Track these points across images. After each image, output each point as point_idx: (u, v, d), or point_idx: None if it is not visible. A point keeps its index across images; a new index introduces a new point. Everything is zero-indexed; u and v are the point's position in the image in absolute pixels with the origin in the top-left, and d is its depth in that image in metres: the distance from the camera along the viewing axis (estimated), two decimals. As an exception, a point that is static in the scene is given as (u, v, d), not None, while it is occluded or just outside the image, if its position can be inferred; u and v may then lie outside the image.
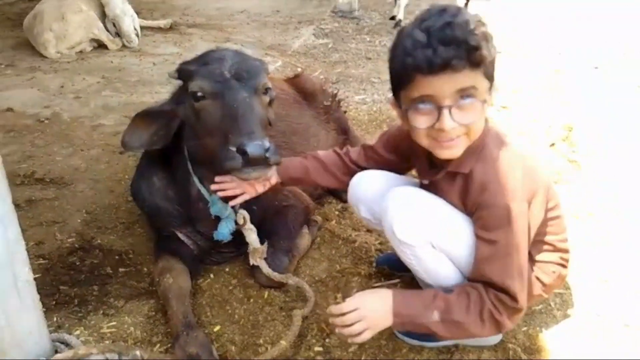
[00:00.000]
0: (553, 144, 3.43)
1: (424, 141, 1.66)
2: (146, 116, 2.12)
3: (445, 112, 1.54)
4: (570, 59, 5.39)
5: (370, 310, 1.71)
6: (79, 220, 2.79)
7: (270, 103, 2.07)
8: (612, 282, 2.30)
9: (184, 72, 1.98)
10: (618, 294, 2.23)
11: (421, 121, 1.60)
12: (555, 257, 1.90)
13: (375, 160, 2.13)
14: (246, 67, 1.94)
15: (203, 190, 2.12)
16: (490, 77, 1.58)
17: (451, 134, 1.58)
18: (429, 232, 1.74)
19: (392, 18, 6.64)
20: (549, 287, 1.91)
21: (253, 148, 1.69)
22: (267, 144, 1.72)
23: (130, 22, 5.75)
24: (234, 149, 1.71)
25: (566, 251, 1.93)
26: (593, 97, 4.37)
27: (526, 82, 4.75)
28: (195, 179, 2.12)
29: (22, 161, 3.38)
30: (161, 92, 4.56)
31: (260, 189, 2.11)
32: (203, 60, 1.97)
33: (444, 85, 1.52)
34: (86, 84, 4.73)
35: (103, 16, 5.76)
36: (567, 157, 3.30)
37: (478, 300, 1.64)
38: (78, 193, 3.07)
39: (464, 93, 1.54)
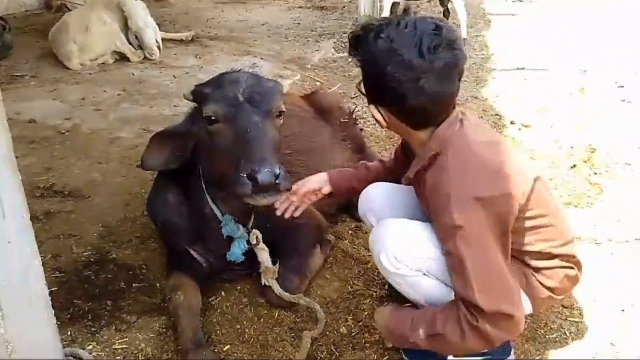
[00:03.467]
0: (574, 166, 3.36)
1: None
2: (163, 137, 2.16)
3: None
4: (595, 77, 5.29)
5: (378, 326, 1.97)
6: (95, 234, 2.83)
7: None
8: (629, 311, 2.23)
9: (198, 95, 2.00)
10: (634, 324, 2.16)
11: None
12: (554, 262, 1.87)
13: (397, 161, 2.18)
14: (260, 90, 1.95)
15: (216, 210, 2.13)
16: None
17: None
18: (418, 262, 1.78)
19: None
20: (559, 290, 1.89)
21: (263, 175, 1.70)
22: (277, 170, 1.73)
23: (152, 34, 5.84)
24: (244, 175, 1.72)
25: (568, 256, 1.88)
26: (618, 117, 4.28)
27: (550, 100, 4.67)
28: (209, 199, 2.14)
29: (42, 173, 3.44)
30: (180, 105, 4.60)
31: (313, 198, 2.20)
32: (217, 83, 1.99)
33: None
34: (106, 95, 4.81)
35: (126, 28, 5.86)
36: (589, 179, 3.24)
37: (454, 310, 1.66)
38: (95, 206, 3.11)
39: None
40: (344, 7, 8.71)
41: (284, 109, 2.03)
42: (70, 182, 3.33)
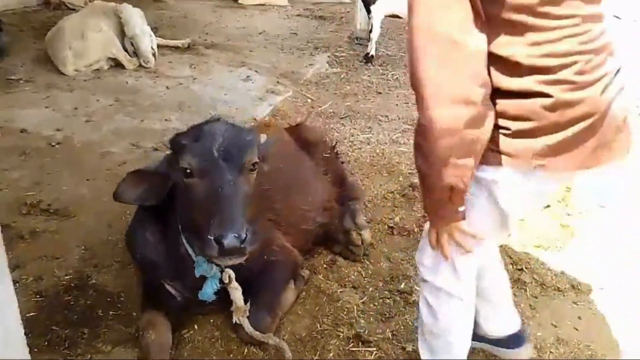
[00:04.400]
0: (548, 206, 3.46)
1: None
2: (140, 174, 2.22)
3: None
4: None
5: None
6: (77, 256, 2.91)
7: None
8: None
9: (176, 145, 2.08)
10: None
11: None
12: (528, 81, 1.46)
13: None
14: (236, 143, 2.02)
15: (190, 251, 2.22)
16: None
17: None
18: None
19: (366, 56, 6.67)
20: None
21: (229, 240, 1.79)
22: (243, 234, 1.81)
23: (148, 42, 5.89)
24: (212, 238, 1.80)
25: (548, 70, 1.45)
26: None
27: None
28: (184, 239, 2.22)
29: (31, 188, 3.51)
30: (171, 120, 4.69)
31: None
32: (195, 134, 2.06)
33: None
34: (99, 105, 4.87)
35: (122, 34, 5.90)
36: (561, 221, 3.33)
37: None
38: (79, 225, 3.19)
39: None
40: (341, 17, 8.78)
41: (258, 161, 2.10)
42: (57, 199, 3.40)
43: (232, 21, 8.32)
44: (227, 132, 2.06)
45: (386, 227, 3.32)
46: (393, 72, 6.34)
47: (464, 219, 1.60)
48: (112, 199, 3.42)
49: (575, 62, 1.46)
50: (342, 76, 6.20)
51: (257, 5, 9.41)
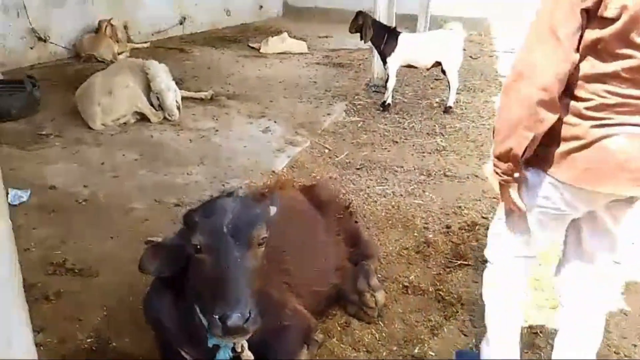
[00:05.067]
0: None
1: None
2: (158, 248, 2.34)
3: None
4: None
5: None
6: (99, 318, 3.01)
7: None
8: None
9: (189, 221, 2.17)
10: None
11: None
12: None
13: None
14: (245, 219, 2.10)
15: (203, 320, 2.29)
16: None
17: None
18: None
19: (383, 104, 6.82)
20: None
21: (233, 321, 1.85)
22: (247, 313, 1.88)
23: (173, 96, 6.14)
24: (217, 317, 1.88)
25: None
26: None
27: None
28: (197, 309, 2.30)
29: (57, 247, 3.66)
30: (192, 174, 4.86)
31: None
32: (207, 210, 2.15)
33: None
34: (125, 160, 5.08)
35: (148, 89, 6.17)
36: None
37: None
38: (102, 285, 3.31)
39: None
40: (359, 64, 8.99)
41: (267, 235, 2.18)
42: (81, 258, 3.54)
43: (253, 70, 8.60)
44: (236, 208, 2.15)
45: (400, 285, 3.35)
46: (409, 121, 6.45)
47: (516, 182, 2.07)
48: (133, 257, 3.60)
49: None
50: (359, 125, 6.33)
51: (279, 53, 9.72)
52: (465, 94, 7.52)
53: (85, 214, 4.12)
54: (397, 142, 5.84)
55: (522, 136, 1.90)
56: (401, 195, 4.59)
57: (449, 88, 6.67)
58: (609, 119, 1.84)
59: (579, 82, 1.88)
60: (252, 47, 10.15)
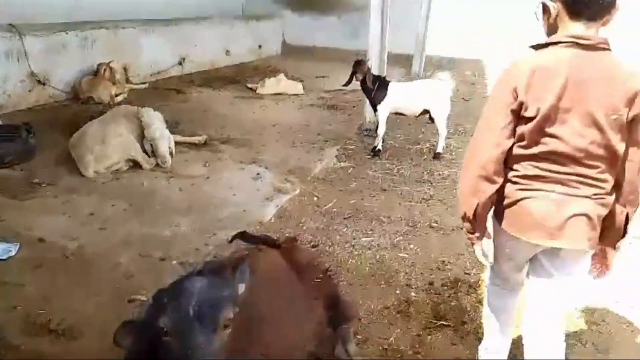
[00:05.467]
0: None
1: None
2: (131, 325, 2.37)
3: None
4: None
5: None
6: (78, 386, 3.03)
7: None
8: None
9: (158, 302, 2.21)
10: None
11: None
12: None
13: None
14: (212, 302, 2.14)
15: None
16: None
17: None
18: None
19: (373, 149, 6.93)
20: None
21: None
22: None
23: (166, 144, 6.25)
24: None
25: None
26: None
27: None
28: (169, 389, 2.32)
29: (41, 305, 3.69)
30: (180, 225, 4.91)
31: None
32: (175, 292, 2.19)
33: None
34: (114, 211, 5.13)
35: (142, 136, 6.28)
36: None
37: None
38: (84, 348, 3.32)
39: None
40: (353, 107, 9.13)
41: (232, 317, 2.21)
42: (65, 319, 3.55)
43: (248, 113, 8.74)
44: (203, 289, 2.19)
45: (380, 348, 3.36)
46: (399, 167, 6.53)
47: (479, 240, 2.56)
48: (116, 318, 3.62)
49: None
50: (349, 171, 6.41)
51: (275, 94, 9.89)
52: (456, 137, 7.62)
53: (71, 270, 4.15)
54: (385, 189, 5.90)
55: (471, 203, 2.41)
56: (386, 247, 4.63)
57: (438, 135, 6.77)
58: (531, 184, 2.36)
59: (513, 159, 2.39)
60: (250, 88, 10.34)
